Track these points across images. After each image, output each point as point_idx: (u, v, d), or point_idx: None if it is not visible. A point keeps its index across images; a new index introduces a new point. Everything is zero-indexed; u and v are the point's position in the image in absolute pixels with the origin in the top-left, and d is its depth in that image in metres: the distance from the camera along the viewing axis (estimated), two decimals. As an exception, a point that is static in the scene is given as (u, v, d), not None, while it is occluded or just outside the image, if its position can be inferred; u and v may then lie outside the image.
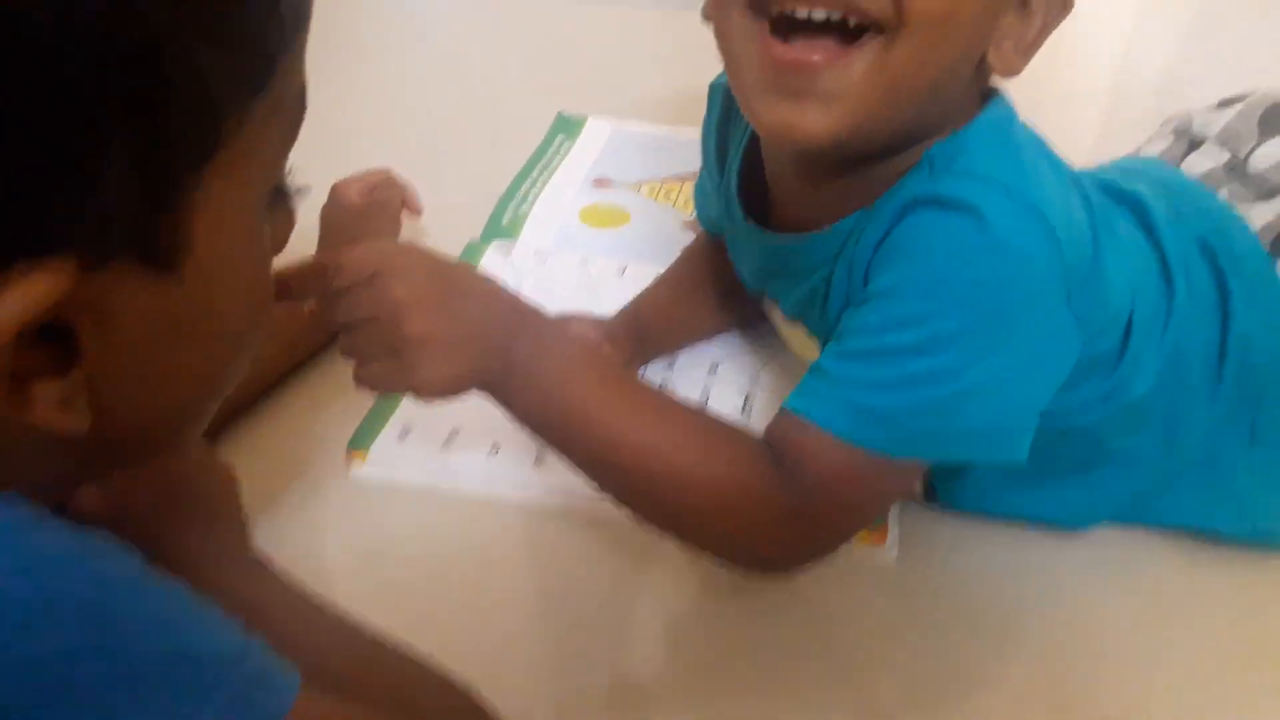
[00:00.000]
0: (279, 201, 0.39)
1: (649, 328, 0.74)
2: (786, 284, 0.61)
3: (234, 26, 0.32)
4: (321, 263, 0.50)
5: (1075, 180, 0.57)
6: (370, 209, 0.81)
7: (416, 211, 0.85)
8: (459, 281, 0.51)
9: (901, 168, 0.53)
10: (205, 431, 0.66)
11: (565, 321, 0.70)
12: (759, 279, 0.65)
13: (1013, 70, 0.53)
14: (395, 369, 0.49)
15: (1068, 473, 0.60)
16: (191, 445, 0.51)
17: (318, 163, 0.95)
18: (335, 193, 0.81)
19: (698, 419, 0.55)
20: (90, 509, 0.48)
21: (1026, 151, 0.54)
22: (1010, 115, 0.55)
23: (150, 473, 0.51)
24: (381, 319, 0.48)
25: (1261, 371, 0.60)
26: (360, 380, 0.51)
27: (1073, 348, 0.53)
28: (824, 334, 0.59)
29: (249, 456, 0.69)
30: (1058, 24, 0.53)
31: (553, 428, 0.52)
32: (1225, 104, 0.71)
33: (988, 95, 0.55)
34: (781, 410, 0.54)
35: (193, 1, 0.30)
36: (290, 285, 0.50)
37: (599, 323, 0.73)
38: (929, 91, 0.51)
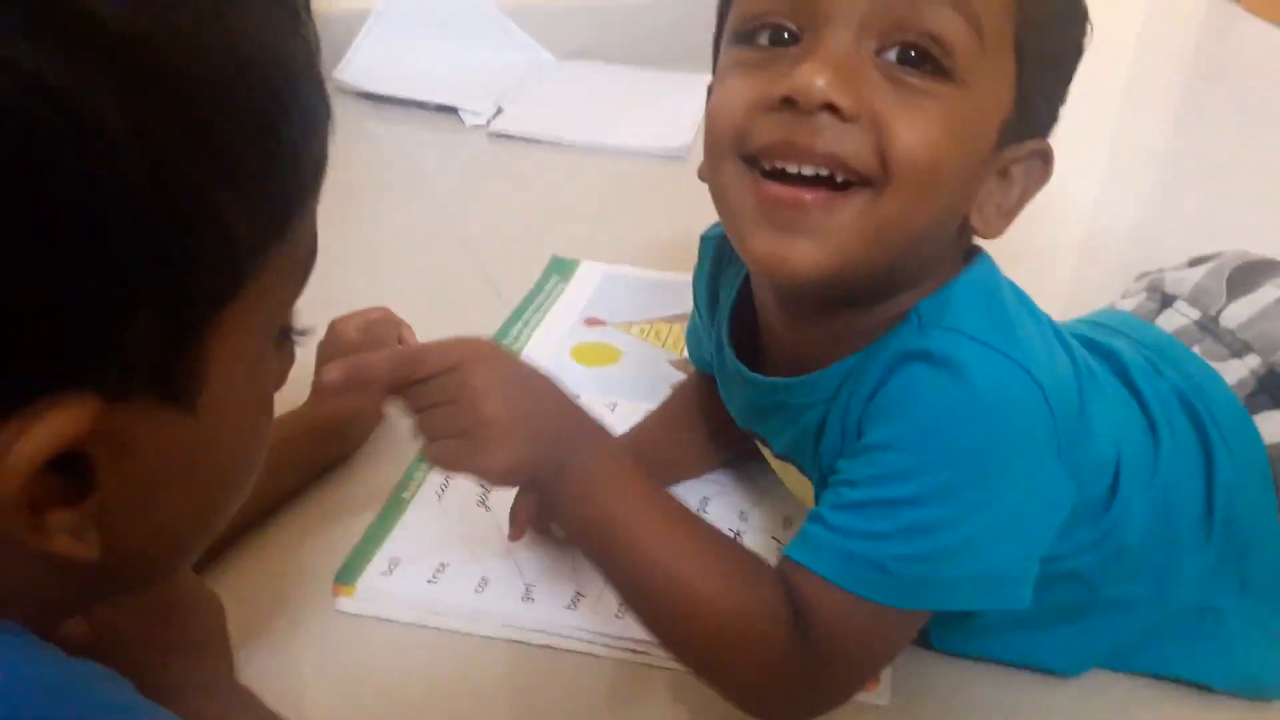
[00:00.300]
0: (284, 340, 0.41)
1: (639, 461, 0.75)
2: (776, 425, 0.63)
3: (262, 181, 0.34)
4: (404, 352, 0.55)
5: (1057, 332, 0.59)
6: (366, 346, 0.82)
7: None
8: (533, 380, 0.56)
9: (886, 318, 0.55)
10: (193, 563, 0.66)
11: None
12: (749, 419, 0.66)
13: (994, 232, 0.55)
14: (465, 448, 0.53)
15: (1061, 619, 0.60)
16: (181, 574, 0.51)
17: (317, 300, 0.98)
18: (333, 329, 0.83)
19: (732, 552, 0.57)
20: (77, 637, 0.48)
21: (1010, 307, 0.55)
22: (993, 272, 0.57)
23: (138, 601, 0.51)
24: (460, 402, 0.53)
25: (1246, 523, 0.61)
26: (431, 457, 0.55)
27: (1067, 495, 0.54)
28: (817, 474, 0.60)
29: (235, 588, 0.68)
30: (1037, 190, 0.55)
31: (591, 535, 0.55)
32: (1195, 263, 0.73)
33: (971, 253, 0.58)
34: (783, 558, 0.55)
35: (225, 158, 0.32)
36: (368, 372, 0.55)
37: None
38: (914, 242, 0.53)
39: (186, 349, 0.33)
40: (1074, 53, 0.55)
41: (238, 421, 0.38)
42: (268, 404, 0.41)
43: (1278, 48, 1.81)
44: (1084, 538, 0.57)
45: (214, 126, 0.32)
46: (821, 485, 0.58)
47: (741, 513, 0.77)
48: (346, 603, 0.68)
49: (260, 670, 0.63)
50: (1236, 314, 0.67)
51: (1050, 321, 0.60)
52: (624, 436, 0.76)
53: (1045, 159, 0.55)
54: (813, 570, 0.52)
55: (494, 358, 0.55)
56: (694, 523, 0.57)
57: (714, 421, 0.75)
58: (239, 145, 0.33)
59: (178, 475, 0.36)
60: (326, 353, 0.82)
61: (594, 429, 0.56)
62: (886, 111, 0.48)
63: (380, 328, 0.84)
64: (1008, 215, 0.55)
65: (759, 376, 0.61)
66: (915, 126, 0.48)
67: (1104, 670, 0.65)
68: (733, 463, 0.79)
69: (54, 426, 0.30)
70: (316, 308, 1.02)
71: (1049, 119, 0.56)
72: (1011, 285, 0.58)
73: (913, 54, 0.49)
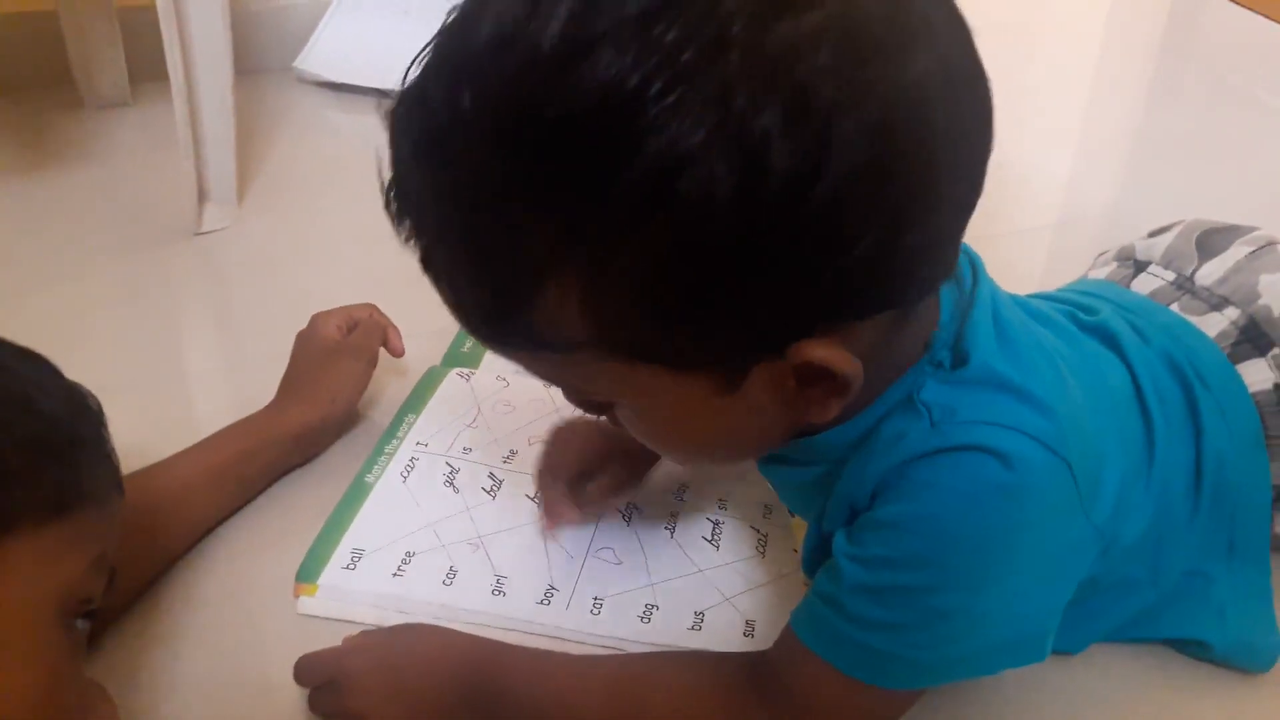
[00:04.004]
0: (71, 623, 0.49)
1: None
2: (785, 474, 0.61)
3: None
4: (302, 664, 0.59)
5: (1051, 323, 0.57)
6: (343, 346, 0.79)
7: (398, 353, 0.83)
8: (407, 669, 0.58)
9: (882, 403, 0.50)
10: (148, 573, 0.64)
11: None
12: (761, 462, 0.63)
13: (829, 415, 0.46)
14: None
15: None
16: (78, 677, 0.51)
17: (281, 290, 0.95)
18: (315, 322, 0.80)
19: (666, 669, 0.58)
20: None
21: (1023, 351, 0.51)
22: (989, 344, 0.50)
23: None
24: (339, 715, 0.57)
25: (1234, 487, 0.60)
26: None
27: (1094, 546, 0.53)
28: (816, 533, 0.58)
29: (193, 596, 0.66)
30: (848, 378, 0.44)
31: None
32: (1157, 233, 0.73)
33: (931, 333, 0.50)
34: (789, 632, 0.54)
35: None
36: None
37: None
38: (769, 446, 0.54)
39: None
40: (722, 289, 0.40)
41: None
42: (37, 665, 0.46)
43: (1246, 29, 1.82)
44: None
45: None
46: (817, 540, 0.57)
47: (720, 501, 0.75)
48: (308, 603, 0.65)
49: (223, 681, 0.61)
50: (1210, 272, 0.66)
51: (1045, 314, 0.58)
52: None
53: (802, 372, 0.44)
54: (823, 656, 0.51)
55: (363, 669, 0.57)
56: (624, 663, 0.60)
57: None
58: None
59: None
60: (306, 346, 0.79)
61: (497, 664, 0.58)
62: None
63: (361, 334, 0.81)
64: (828, 402, 0.46)
65: None
66: (626, 425, 0.52)
67: (1102, 642, 0.64)
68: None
69: None
70: (280, 297, 1.00)
71: (758, 333, 0.42)
72: (1016, 306, 0.54)
73: None
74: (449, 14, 0.40)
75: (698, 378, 0.44)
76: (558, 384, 0.49)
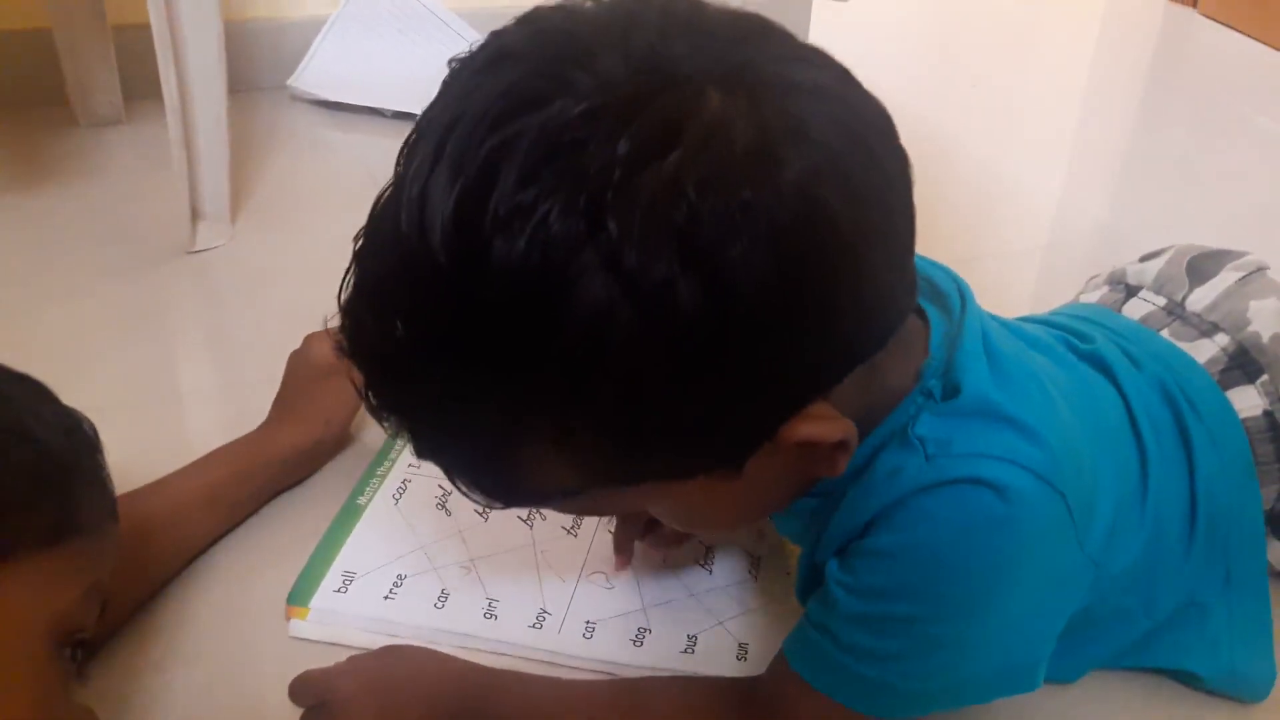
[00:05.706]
0: (60, 651, 0.48)
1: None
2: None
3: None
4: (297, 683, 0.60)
5: (1049, 350, 0.58)
6: (336, 367, 0.78)
7: None
8: (398, 692, 0.58)
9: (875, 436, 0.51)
10: (139, 595, 0.64)
11: None
12: None
13: (840, 470, 0.47)
14: None
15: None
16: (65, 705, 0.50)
17: (276, 311, 0.95)
18: (308, 343, 0.80)
19: (658, 694, 0.59)
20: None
21: (1011, 400, 0.50)
22: (982, 372, 0.50)
23: None
24: None
25: (1227, 518, 0.60)
26: None
27: (1087, 577, 0.53)
28: (802, 544, 0.59)
29: (185, 618, 0.66)
30: (840, 437, 0.45)
31: None
32: (1146, 258, 0.73)
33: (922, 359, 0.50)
34: (781, 659, 0.54)
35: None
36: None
37: None
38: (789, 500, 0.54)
39: None
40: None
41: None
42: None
43: (1235, 51, 1.83)
44: None
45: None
46: (810, 568, 0.57)
47: (711, 522, 0.75)
48: (300, 626, 0.65)
49: (214, 704, 0.61)
50: (1201, 298, 0.67)
51: (1042, 340, 0.59)
52: None
53: (800, 446, 0.45)
54: (815, 686, 0.52)
55: (355, 693, 0.57)
56: (620, 688, 0.60)
57: None
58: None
59: None
60: (299, 367, 0.79)
61: (488, 688, 0.59)
62: None
63: None
64: (835, 459, 0.47)
65: None
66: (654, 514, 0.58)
67: (1099, 671, 0.64)
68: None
69: None
70: (273, 317, 1.00)
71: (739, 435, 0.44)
72: (1009, 332, 0.55)
73: None
74: (356, 237, 0.43)
75: (700, 478, 0.45)
76: (577, 514, 0.52)
